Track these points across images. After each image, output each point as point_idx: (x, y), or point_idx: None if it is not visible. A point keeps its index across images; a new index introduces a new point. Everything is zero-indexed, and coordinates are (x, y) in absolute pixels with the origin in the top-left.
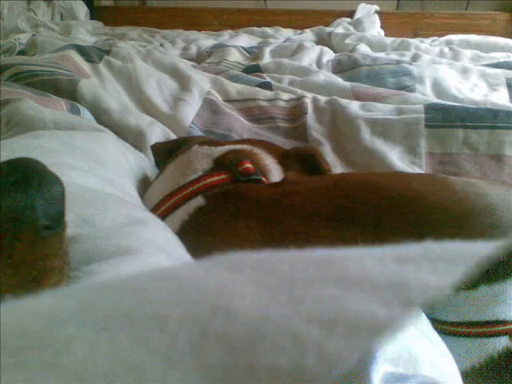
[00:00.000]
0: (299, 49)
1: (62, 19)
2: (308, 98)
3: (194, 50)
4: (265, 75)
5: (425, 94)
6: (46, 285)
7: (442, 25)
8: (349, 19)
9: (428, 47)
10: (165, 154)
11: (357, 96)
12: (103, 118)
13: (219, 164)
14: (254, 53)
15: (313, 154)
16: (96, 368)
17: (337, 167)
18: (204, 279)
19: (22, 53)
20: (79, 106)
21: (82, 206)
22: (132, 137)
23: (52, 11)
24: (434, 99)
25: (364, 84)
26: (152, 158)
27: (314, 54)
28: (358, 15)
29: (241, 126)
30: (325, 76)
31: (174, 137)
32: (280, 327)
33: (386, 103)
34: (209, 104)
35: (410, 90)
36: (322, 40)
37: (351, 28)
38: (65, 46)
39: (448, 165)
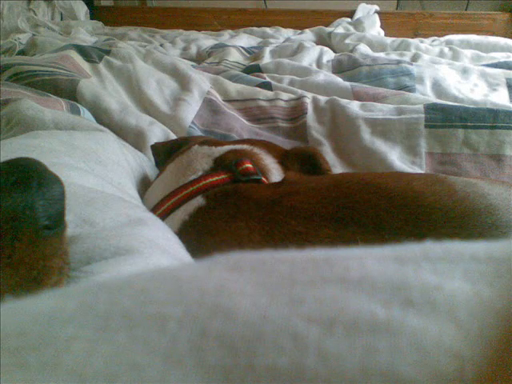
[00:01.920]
0: (299, 49)
1: (62, 19)
2: (308, 97)
3: (194, 50)
4: (265, 75)
5: (425, 94)
6: (46, 285)
7: (442, 25)
8: (349, 19)
9: (428, 47)
10: (165, 154)
11: (357, 96)
12: (103, 117)
13: (219, 164)
14: (253, 53)
15: (313, 153)
16: (96, 368)
17: (337, 167)
18: (204, 279)
19: (22, 53)
20: (79, 105)
21: (82, 206)
22: (132, 137)
23: (52, 11)
24: (433, 99)
25: (364, 84)
26: (152, 158)
27: (314, 54)
28: (358, 15)
29: (241, 126)
30: (325, 76)
31: (173, 137)
32: (280, 327)
33: (385, 103)
34: (209, 104)
35: (410, 89)
36: (322, 40)
37: (351, 28)
38: (65, 45)
39: (448, 165)
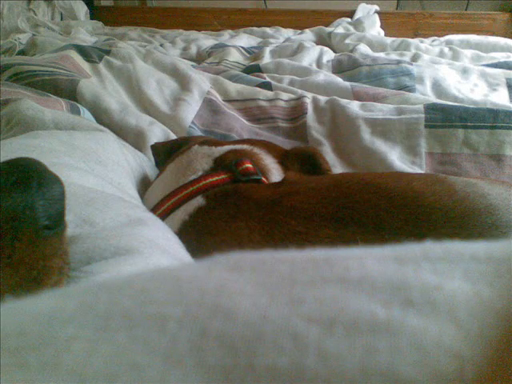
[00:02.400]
0: (299, 49)
1: (62, 19)
2: (308, 97)
3: (194, 50)
4: (265, 75)
5: (425, 93)
6: (46, 285)
7: (442, 25)
8: (349, 19)
9: (428, 47)
10: (165, 154)
11: (357, 96)
12: (103, 117)
13: (219, 164)
14: (253, 53)
15: (313, 153)
16: (96, 368)
17: (337, 167)
18: (204, 279)
19: (22, 53)
20: (79, 105)
21: (82, 206)
22: (132, 137)
23: (52, 11)
24: (433, 99)
25: (364, 84)
26: (152, 158)
27: (314, 54)
28: (358, 15)
29: (241, 126)
30: (325, 76)
31: (173, 137)
32: (280, 327)
33: (385, 103)
34: (209, 104)
35: (410, 89)
36: (322, 40)
37: (351, 28)
38: (65, 45)
39: (448, 165)
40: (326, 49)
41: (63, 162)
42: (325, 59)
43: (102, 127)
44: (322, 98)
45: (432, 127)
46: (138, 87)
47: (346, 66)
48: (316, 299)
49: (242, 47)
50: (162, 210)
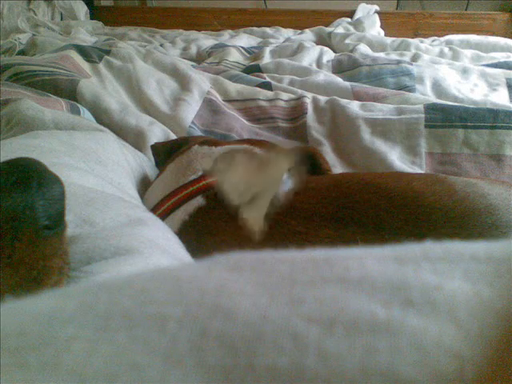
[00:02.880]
0: (299, 49)
1: (62, 19)
2: (308, 97)
3: (194, 50)
4: (265, 75)
5: (425, 93)
6: (46, 285)
7: (442, 25)
8: (349, 19)
9: (428, 47)
10: (165, 154)
11: (357, 96)
12: (103, 117)
13: None
14: (253, 53)
15: (313, 153)
16: (96, 368)
17: (337, 167)
18: (204, 279)
19: (22, 53)
20: (79, 105)
21: (82, 206)
22: (132, 137)
23: (52, 11)
24: (433, 99)
25: (364, 84)
26: (152, 158)
27: (314, 54)
28: (358, 15)
29: (241, 126)
30: (325, 76)
31: (173, 137)
32: (280, 327)
33: (385, 103)
34: (209, 104)
35: (410, 89)
36: (322, 40)
37: (351, 28)
38: (65, 45)
39: (448, 165)
40: (326, 49)
41: (63, 162)
42: (325, 59)
43: (102, 127)
44: (322, 98)
45: (432, 127)
46: (138, 87)
47: (346, 66)
48: (316, 299)
49: (241, 47)
50: (162, 210)
